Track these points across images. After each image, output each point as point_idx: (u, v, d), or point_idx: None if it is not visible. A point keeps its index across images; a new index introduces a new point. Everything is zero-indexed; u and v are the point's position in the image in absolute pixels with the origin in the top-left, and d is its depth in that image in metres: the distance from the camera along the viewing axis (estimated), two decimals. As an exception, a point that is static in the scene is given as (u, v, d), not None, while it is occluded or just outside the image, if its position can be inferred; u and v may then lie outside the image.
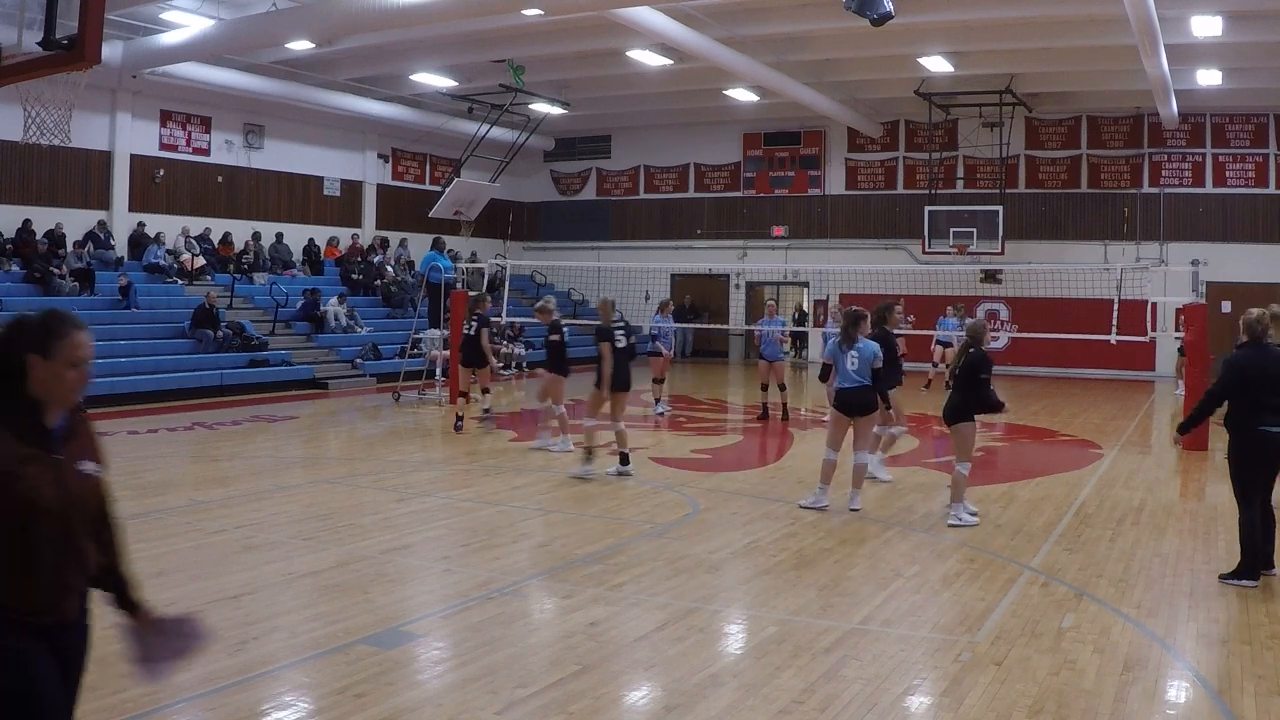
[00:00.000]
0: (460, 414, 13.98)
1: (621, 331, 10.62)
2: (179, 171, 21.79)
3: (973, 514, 8.66)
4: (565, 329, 12.82)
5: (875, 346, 9.08)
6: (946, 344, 18.95)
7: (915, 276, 23.77)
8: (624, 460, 10.58)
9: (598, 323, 10.82)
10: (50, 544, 2.66)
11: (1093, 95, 23.17)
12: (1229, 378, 6.90)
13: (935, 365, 19.50)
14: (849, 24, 15.38)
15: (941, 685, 5.07)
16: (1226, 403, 6.96)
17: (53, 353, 2.68)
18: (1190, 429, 7.58)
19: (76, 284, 18.22)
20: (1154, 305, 16.12)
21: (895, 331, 10.81)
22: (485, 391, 14.51)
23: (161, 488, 9.78)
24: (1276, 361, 6.84)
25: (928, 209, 24.34)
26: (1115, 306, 15.58)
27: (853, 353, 8.98)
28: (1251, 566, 6.83)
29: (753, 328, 18.04)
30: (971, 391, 8.50)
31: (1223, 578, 6.92)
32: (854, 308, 9.58)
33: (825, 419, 11.62)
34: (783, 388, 15.40)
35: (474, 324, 14.12)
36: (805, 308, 27.99)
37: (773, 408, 15.46)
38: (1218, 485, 10.70)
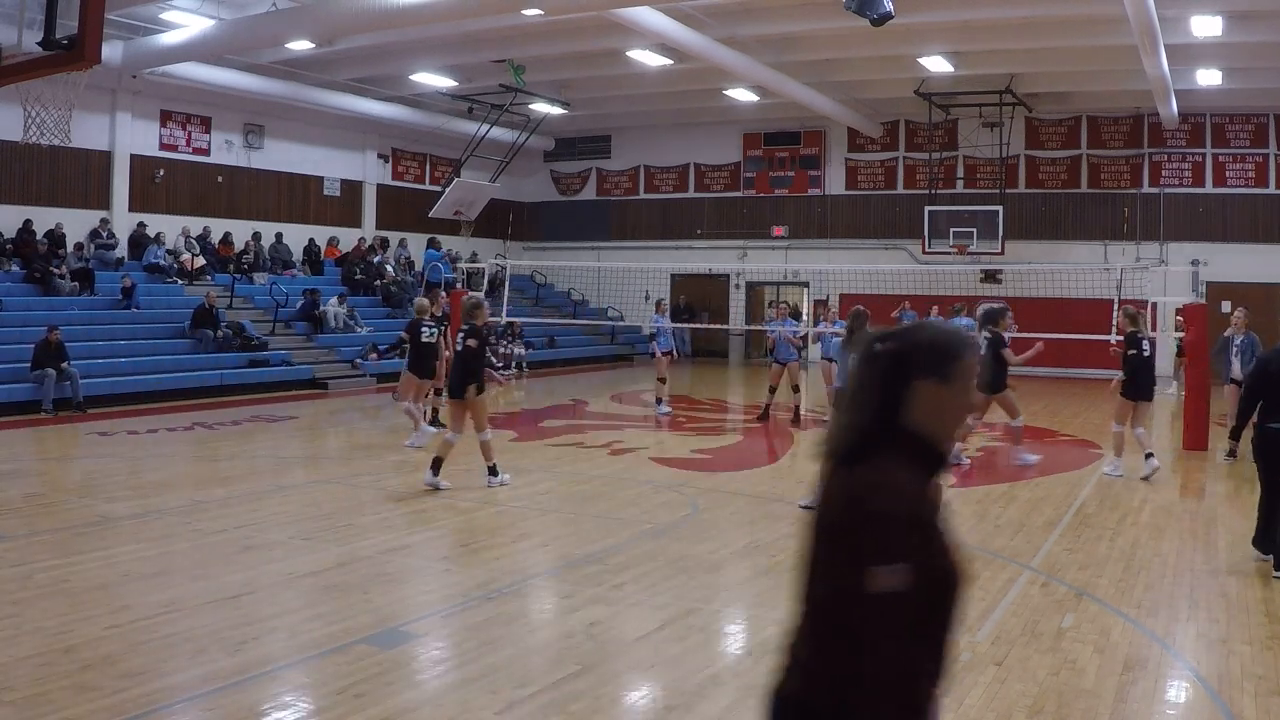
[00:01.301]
0: (435, 408, 14.05)
1: (463, 334, 9.69)
2: (179, 171, 21.79)
3: None
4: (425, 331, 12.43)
5: None
6: None
7: (915, 276, 23.76)
8: (492, 472, 9.99)
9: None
10: (950, 631, 2.06)
11: (1093, 95, 23.15)
12: (1252, 372, 7.23)
13: None
14: (849, 24, 15.38)
15: (941, 685, 5.06)
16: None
17: (951, 377, 2.05)
18: (1240, 433, 7.47)
19: (76, 284, 18.23)
20: (1154, 305, 16.15)
21: (1006, 334, 10.90)
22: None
23: (161, 488, 9.79)
24: None
25: (928, 209, 24.32)
26: (1115, 306, 15.60)
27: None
28: (1266, 538, 7.06)
29: (765, 328, 17.86)
30: None
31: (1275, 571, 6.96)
32: (859, 307, 9.55)
33: (825, 419, 11.63)
34: (796, 389, 15.32)
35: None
36: (804, 309, 27.93)
37: (775, 409, 15.42)
38: (1217, 485, 10.73)
